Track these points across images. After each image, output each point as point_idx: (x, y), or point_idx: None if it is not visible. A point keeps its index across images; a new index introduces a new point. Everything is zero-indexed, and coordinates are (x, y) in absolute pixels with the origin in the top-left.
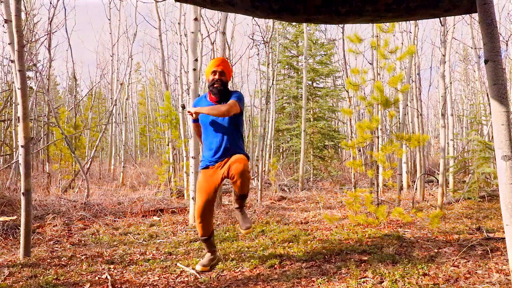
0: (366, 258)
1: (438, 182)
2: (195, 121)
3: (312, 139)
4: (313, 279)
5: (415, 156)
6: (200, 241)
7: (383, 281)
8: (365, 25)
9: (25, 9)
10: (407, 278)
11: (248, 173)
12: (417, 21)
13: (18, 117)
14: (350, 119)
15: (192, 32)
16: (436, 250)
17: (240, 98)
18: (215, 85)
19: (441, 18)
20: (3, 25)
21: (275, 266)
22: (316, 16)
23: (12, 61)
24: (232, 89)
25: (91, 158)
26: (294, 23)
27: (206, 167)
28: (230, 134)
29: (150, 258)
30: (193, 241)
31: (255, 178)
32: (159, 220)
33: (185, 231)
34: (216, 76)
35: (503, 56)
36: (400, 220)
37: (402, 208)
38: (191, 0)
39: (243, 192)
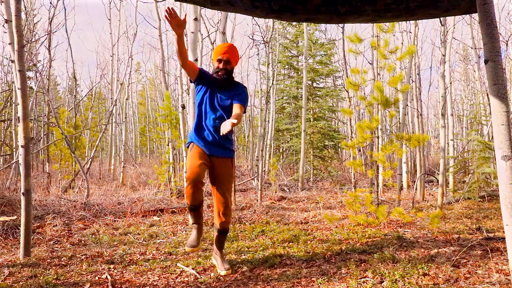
0: (366, 258)
1: (438, 182)
2: (196, 82)
3: (312, 139)
4: (313, 279)
5: (415, 156)
6: (188, 210)
7: (383, 281)
8: (365, 25)
9: (25, 9)
10: (407, 278)
11: (230, 200)
12: (417, 21)
13: (18, 117)
14: (350, 119)
15: (192, 32)
16: (436, 250)
17: (245, 101)
18: (219, 73)
19: (441, 18)
20: (3, 25)
21: (275, 266)
22: (316, 15)
23: (12, 61)
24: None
25: (91, 158)
26: (294, 23)
27: (199, 146)
28: None
29: (150, 258)
30: None
31: (255, 178)
32: (159, 220)
33: (185, 231)
34: (221, 65)
35: (503, 56)
36: (400, 220)
37: (402, 208)
38: (191, 0)
39: (227, 225)
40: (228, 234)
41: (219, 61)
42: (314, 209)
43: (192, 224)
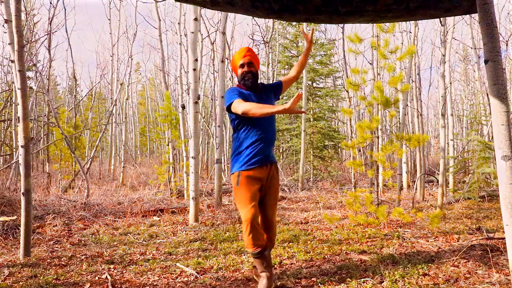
0: (366, 258)
1: (438, 182)
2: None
3: (312, 139)
4: (313, 279)
5: (415, 156)
6: (252, 255)
7: (383, 281)
8: (365, 25)
9: (25, 9)
10: (407, 278)
11: None
12: (417, 21)
13: (18, 117)
14: (350, 119)
15: (192, 32)
16: (436, 250)
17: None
18: (245, 79)
19: (441, 18)
20: (3, 25)
21: (275, 266)
22: (316, 16)
23: (12, 61)
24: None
25: (91, 158)
26: (294, 23)
27: (260, 166)
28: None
29: (150, 258)
30: (193, 241)
31: None
32: (159, 220)
33: (185, 231)
34: (245, 69)
35: (503, 56)
36: (400, 220)
37: (402, 208)
38: (191, 0)
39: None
40: (228, 234)
41: (242, 65)
42: (314, 209)
43: (262, 274)
